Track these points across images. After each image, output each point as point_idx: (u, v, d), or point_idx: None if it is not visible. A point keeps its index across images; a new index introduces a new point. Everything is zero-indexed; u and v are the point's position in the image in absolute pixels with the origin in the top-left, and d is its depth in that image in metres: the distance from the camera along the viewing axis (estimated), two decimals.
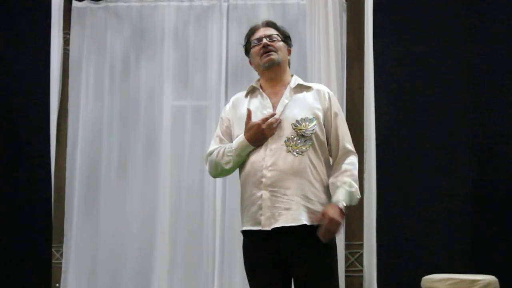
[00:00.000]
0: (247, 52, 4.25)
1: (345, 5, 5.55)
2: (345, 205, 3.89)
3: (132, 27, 7.73)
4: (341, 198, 3.90)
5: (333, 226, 3.82)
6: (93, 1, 7.75)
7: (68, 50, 7.64)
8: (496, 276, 5.50)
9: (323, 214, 3.84)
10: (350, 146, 4.07)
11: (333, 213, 3.86)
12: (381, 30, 7.15)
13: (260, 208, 3.84)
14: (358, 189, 3.98)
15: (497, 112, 7.94)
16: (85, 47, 7.73)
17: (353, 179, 3.96)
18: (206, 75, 7.54)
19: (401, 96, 8.11)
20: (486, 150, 7.94)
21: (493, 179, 7.89)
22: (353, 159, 4.06)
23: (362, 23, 5.38)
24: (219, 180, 7.12)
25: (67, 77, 7.61)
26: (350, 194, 3.93)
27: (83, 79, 7.69)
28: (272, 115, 3.92)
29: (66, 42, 7.61)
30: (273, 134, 3.90)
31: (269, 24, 4.24)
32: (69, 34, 7.65)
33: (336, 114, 4.08)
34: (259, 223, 3.84)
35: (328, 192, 4.01)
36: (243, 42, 4.35)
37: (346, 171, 3.98)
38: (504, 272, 6.38)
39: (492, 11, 8.07)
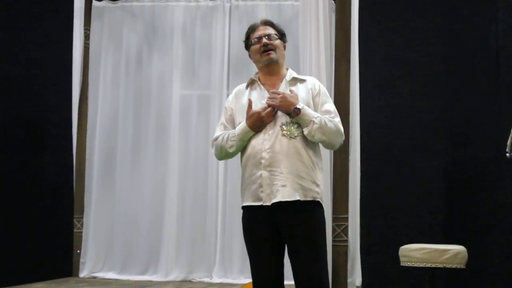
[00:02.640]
0: (247, 46, 4.26)
1: (334, 6, 5.55)
2: (300, 107, 3.89)
3: (145, 24, 7.72)
4: (308, 109, 3.92)
5: (281, 98, 3.90)
6: (111, 1, 7.74)
7: (88, 44, 7.64)
8: (465, 246, 5.54)
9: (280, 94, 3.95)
10: (335, 112, 4.05)
11: (289, 95, 3.93)
12: (366, 28, 7.14)
13: (260, 186, 3.84)
14: (323, 127, 3.89)
15: (466, 102, 7.96)
16: (103, 42, 7.72)
17: (326, 120, 3.91)
18: (210, 68, 7.53)
19: (383, 87, 8.13)
20: (457, 135, 7.97)
21: (463, 161, 7.92)
22: (336, 118, 4.03)
23: (349, 22, 5.37)
24: (222, 162, 7.13)
25: (87, 68, 7.62)
26: (310, 114, 3.87)
27: (101, 70, 7.68)
28: (270, 105, 3.94)
29: (87, 37, 7.62)
30: (271, 121, 3.90)
31: (267, 23, 4.23)
32: (89, 30, 7.65)
33: (323, 97, 4.09)
34: (260, 199, 3.85)
35: (319, 171, 4.03)
36: (243, 39, 4.34)
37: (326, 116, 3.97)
38: (471, 243, 6.42)
39: (464, 14, 8.07)
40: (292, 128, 3.95)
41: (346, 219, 5.18)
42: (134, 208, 7.49)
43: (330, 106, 4.09)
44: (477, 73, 7.90)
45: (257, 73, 4.19)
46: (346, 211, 5.20)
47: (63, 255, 7.87)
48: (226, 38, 7.49)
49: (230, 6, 7.55)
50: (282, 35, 4.23)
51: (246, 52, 4.33)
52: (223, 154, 4.08)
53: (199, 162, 7.42)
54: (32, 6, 8.47)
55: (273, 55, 4.08)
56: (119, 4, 7.74)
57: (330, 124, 3.95)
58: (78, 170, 7.55)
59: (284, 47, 4.26)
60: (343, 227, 5.13)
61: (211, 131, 6.84)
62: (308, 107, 3.97)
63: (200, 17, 7.62)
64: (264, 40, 4.10)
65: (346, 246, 5.16)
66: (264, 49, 4.08)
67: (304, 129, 3.93)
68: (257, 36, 4.14)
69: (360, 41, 6.62)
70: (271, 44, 4.10)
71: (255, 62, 4.18)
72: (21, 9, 8.48)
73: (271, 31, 4.17)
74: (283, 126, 3.94)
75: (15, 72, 8.45)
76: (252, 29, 4.23)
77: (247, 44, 4.22)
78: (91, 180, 7.55)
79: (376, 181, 7.81)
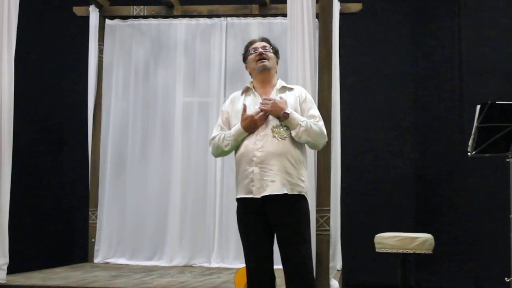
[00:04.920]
0: (245, 59, 4.24)
1: (317, 24, 5.54)
2: (289, 112, 3.88)
3: (152, 40, 7.70)
4: (295, 113, 3.91)
5: (272, 104, 3.88)
6: (122, 20, 7.73)
7: (102, 57, 7.62)
8: (432, 234, 5.54)
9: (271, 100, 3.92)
10: (319, 117, 4.04)
11: (279, 101, 3.93)
12: (345, 44, 7.14)
13: (252, 180, 3.83)
14: (309, 130, 3.87)
15: (434, 108, 7.97)
16: (115, 55, 7.70)
17: (312, 123, 3.90)
18: (209, 78, 7.52)
19: (360, 94, 8.13)
20: (426, 137, 7.98)
21: (430, 160, 7.93)
22: (320, 122, 4.02)
23: (330, 38, 5.35)
24: (218, 159, 7.11)
25: (101, 78, 7.61)
26: (297, 118, 3.86)
27: (113, 80, 7.67)
28: (262, 110, 3.93)
29: (101, 51, 7.60)
30: (263, 124, 3.89)
31: (264, 39, 4.23)
32: (103, 45, 7.63)
33: (309, 104, 4.08)
34: (251, 192, 3.83)
35: (304, 169, 4.01)
36: (239, 52, 4.32)
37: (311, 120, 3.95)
38: (438, 231, 6.43)
39: (430, 28, 8.09)
40: (281, 130, 3.93)
41: (328, 211, 5.15)
42: (142, 202, 7.48)
43: (315, 111, 4.08)
44: (443, 82, 7.93)
45: (251, 81, 4.18)
46: (328, 204, 5.17)
47: (80, 244, 7.87)
48: (223, 52, 7.48)
49: (227, 24, 7.54)
50: (276, 51, 4.22)
51: (241, 64, 4.31)
52: (219, 152, 4.06)
53: (199, 160, 7.40)
54: (54, 26, 8.48)
55: (266, 62, 4.07)
56: (128, 22, 7.74)
57: (315, 127, 3.93)
58: (93, 168, 7.54)
59: (277, 62, 4.25)
60: (325, 218, 5.10)
61: (210, 133, 6.84)
62: (296, 112, 3.96)
63: (200, 33, 7.61)
64: (260, 50, 4.09)
65: (328, 235, 5.12)
66: (259, 57, 4.07)
67: (292, 132, 3.91)
68: (255, 47, 4.14)
69: (340, 55, 6.62)
70: (266, 55, 4.09)
71: (251, 70, 4.16)
72: (45, 29, 8.51)
73: (266, 45, 4.17)
74: (274, 129, 3.92)
75: (40, 82, 8.47)
76: (250, 43, 4.22)
77: (245, 57, 4.20)
78: (105, 177, 7.53)
79: (354, 177, 7.81)
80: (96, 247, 7.42)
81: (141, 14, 7.66)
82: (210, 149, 4.14)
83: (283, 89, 4.13)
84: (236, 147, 3.99)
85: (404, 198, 7.96)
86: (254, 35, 6.82)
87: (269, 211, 3.86)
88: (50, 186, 8.33)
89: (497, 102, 4.94)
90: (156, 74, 7.65)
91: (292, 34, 5.27)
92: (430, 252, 5.27)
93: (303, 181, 3.94)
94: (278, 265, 3.88)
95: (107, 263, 7.31)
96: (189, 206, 7.37)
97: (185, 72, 7.57)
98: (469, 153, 5.15)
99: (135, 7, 7.67)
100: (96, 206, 7.49)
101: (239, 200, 3.97)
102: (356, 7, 7.32)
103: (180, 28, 7.63)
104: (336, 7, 6.63)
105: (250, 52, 4.14)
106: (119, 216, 7.49)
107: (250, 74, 4.19)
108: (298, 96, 4.09)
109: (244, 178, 3.91)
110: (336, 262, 6.23)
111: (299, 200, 3.91)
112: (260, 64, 4.07)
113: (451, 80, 7.84)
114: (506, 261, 5.17)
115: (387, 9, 8.26)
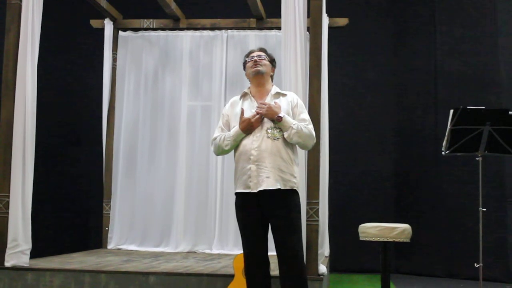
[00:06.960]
0: (244, 67, 4.27)
1: (308, 36, 5.55)
2: (282, 116, 3.90)
3: (160, 50, 7.71)
4: (288, 117, 3.93)
5: (267, 108, 3.91)
6: (133, 31, 7.74)
7: (115, 65, 7.62)
8: (410, 225, 5.55)
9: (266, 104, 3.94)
10: (309, 120, 4.05)
11: (274, 105, 3.94)
12: (333, 54, 7.15)
13: (249, 176, 3.85)
14: (299, 132, 3.89)
15: (413, 112, 8.00)
16: (127, 63, 7.70)
17: (302, 126, 3.91)
18: (211, 84, 7.52)
19: (347, 99, 8.16)
20: (405, 138, 8.00)
21: (408, 158, 7.95)
22: (310, 126, 4.03)
23: (320, 49, 5.36)
24: (219, 157, 7.12)
25: (115, 84, 7.61)
26: (290, 121, 3.87)
27: (125, 86, 7.67)
28: (258, 113, 3.95)
29: (114, 59, 7.60)
30: (258, 126, 3.92)
31: (262, 49, 4.26)
32: (116, 54, 7.64)
33: (300, 108, 4.10)
34: (249, 187, 3.86)
35: (296, 166, 4.03)
36: (238, 61, 4.37)
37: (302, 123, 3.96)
38: (415, 222, 6.44)
39: (409, 40, 8.12)
40: (275, 132, 3.95)
41: (317, 203, 5.15)
42: (150, 194, 7.48)
43: (306, 115, 4.10)
44: (420, 89, 7.96)
45: (249, 87, 4.20)
46: (317, 197, 5.17)
47: (95, 231, 7.87)
48: (224, 61, 7.47)
49: (227, 36, 7.54)
50: (272, 60, 4.25)
51: (240, 72, 4.34)
52: (220, 151, 4.09)
53: (202, 157, 7.41)
54: (73, 37, 8.51)
55: (260, 68, 4.09)
56: (139, 34, 7.74)
57: (305, 130, 3.96)
58: (107, 164, 7.54)
59: (273, 70, 4.27)
60: (315, 209, 5.11)
61: (212, 134, 6.86)
62: (288, 116, 3.98)
63: (203, 44, 7.61)
64: (255, 58, 4.12)
65: (317, 225, 5.13)
66: (254, 64, 4.10)
67: (284, 133, 3.94)
68: (252, 55, 4.17)
69: (328, 64, 6.63)
70: (260, 62, 4.11)
71: (248, 76, 4.18)
72: (65, 40, 8.53)
73: (262, 54, 4.19)
74: (268, 130, 3.95)
75: (60, 87, 8.48)
76: (249, 53, 4.26)
77: (244, 65, 4.23)
78: (117, 172, 7.53)
79: (340, 173, 7.83)
80: (109, 235, 7.42)
81: (151, 26, 7.66)
82: (212, 148, 4.16)
83: (277, 94, 4.15)
84: (235, 147, 4.01)
85: (385, 192, 8.00)
86: (252, 46, 6.86)
87: (264, 204, 3.89)
88: (68, 180, 8.34)
89: (468, 107, 4.97)
90: (164, 80, 7.65)
91: (286, 45, 5.28)
92: (408, 240, 5.27)
93: (295, 177, 3.96)
94: (272, 252, 3.89)
95: (119, 249, 7.31)
96: (193, 198, 7.37)
97: (189, 79, 7.58)
98: (443, 153, 5.18)
99: (145, 20, 7.68)
100: (110, 197, 7.50)
101: (237, 194, 3.99)
102: (343, 21, 7.35)
103: (185, 39, 7.64)
104: (325, 21, 6.63)
105: (248, 60, 4.17)
106: (130, 207, 7.50)
107: (249, 80, 4.21)
108: (291, 101, 4.11)
109: (243, 174, 3.93)
110: (324, 249, 6.24)
111: (291, 194, 3.93)
112: (254, 69, 4.10)
113: (428, 87, 7.87)
114: (476, 249, 5.19)
115: (370, 23, 8.30)
